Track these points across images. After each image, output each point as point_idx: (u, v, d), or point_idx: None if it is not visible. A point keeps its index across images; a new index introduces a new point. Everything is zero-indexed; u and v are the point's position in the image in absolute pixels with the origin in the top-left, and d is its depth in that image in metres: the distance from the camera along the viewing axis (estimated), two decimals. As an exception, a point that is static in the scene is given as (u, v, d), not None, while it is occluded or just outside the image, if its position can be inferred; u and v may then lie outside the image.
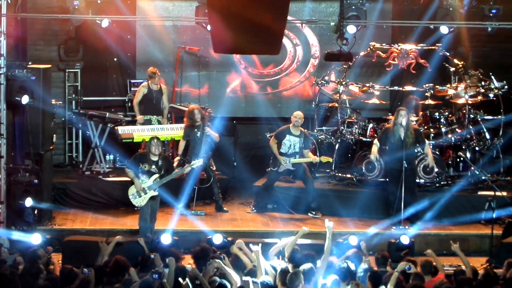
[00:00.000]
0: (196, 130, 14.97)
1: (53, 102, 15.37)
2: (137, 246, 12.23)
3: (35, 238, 12.16)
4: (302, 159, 15.08)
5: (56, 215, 14.84)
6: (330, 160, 15.56)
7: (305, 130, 15.35)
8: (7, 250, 11.86)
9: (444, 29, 15.10)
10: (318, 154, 16.10)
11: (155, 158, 13.58)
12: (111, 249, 11.83)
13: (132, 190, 13.62)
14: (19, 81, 13.67)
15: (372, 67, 17.37)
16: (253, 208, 15.40)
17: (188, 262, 11.38)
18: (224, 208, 15.31)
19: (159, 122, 16.07)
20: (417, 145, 14.55)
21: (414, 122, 15.54)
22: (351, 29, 14.27)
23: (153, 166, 13.57)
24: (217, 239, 12.36)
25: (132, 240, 12.60)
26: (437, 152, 15.65)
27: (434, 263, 11.02)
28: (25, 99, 13.53)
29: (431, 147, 15.05)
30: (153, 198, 13.58)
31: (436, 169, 15.33)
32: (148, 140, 13.86)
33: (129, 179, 13.78)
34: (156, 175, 13.54)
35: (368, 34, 16.71)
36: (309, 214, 15.05)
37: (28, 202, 13.55)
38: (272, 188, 15.39)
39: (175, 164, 14.49)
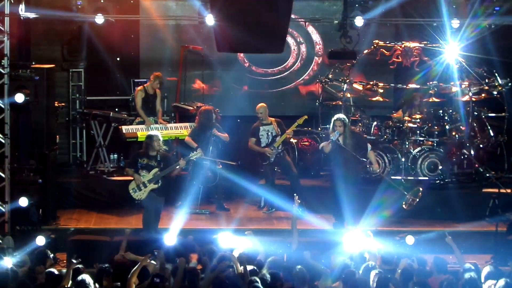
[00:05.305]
0: (206, 131, 14.97)
1: (56, 104, 15.40)
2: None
3: (39, 240, 12.12)
4: (283, 135, 14.98)
5: (61, 214, 14.82)
6: (305, 117, 15.33)
7: (273, 118, 15.28)
8: None
9: (447, 26, 15.12)
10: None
11: (154, 153, 13.59)
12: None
13: (132, 185, 13.60)
14: (23, 81, 13.65)
15: (376, 65, 17.33)
16: (270, 208, 15.30)
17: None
18: (225, 207, 15.32)
19: (156, 123, 16.07)
20: (359, 151, 13.95)
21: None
22: (358, 21, 14.20)
23: (152, 161, 13.58)
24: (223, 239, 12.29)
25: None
26: (441, 150, 15.67)
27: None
28: (19, 98, 13.31)
29: (375, 153, 14.86)
30: (157, 197, 13.57)
31: (440, 167, 15.37)
32: (146, 137, 13.89)
33: (131, 178, 13.76)
34: (156, 169, 13.53)
35: (371, 32, 16.71)
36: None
37: (23, 201, 13.42)
38: (274, 184, 15.26)
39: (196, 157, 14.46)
